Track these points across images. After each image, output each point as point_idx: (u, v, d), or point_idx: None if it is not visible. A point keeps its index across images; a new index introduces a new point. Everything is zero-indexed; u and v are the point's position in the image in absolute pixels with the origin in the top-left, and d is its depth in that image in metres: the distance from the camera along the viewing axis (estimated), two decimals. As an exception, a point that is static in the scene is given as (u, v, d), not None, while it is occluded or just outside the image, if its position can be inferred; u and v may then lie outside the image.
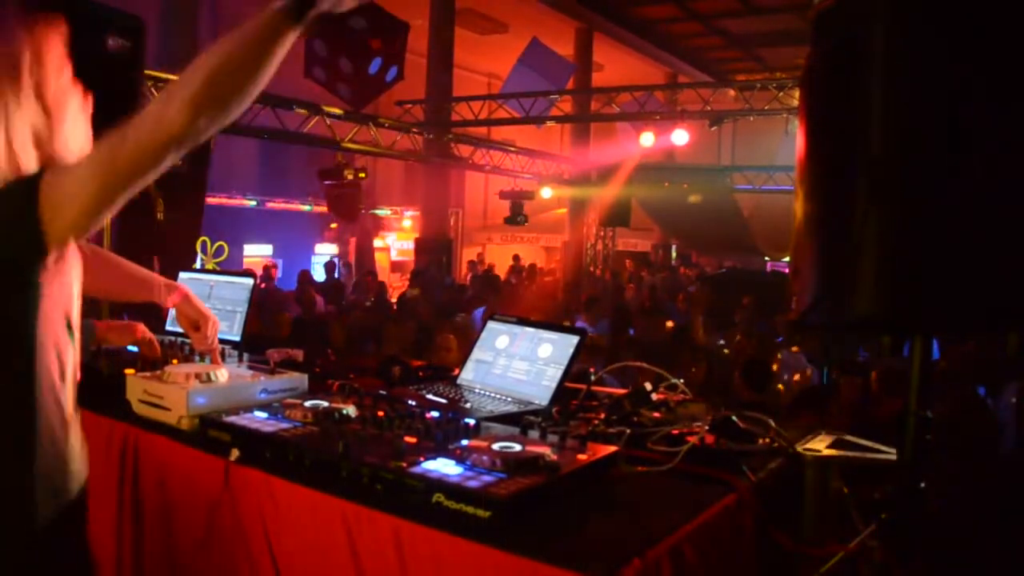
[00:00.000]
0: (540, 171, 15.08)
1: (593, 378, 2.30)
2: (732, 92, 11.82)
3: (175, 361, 2.28)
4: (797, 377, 6.19)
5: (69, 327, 1.41)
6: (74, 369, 1.45)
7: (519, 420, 1.83)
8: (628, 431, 1.84)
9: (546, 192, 15.27)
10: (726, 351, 7.21)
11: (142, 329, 2.34)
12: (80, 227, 1.32)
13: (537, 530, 1.35)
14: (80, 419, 1.48)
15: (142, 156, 1.25)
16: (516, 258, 18.38)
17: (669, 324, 8.27)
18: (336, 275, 13.28)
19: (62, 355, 1.39)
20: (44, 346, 1.34)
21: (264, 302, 8.31)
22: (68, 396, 1.42)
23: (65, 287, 1.39)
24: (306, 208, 16.45)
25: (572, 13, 15.22)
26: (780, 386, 6.06)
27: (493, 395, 2.17)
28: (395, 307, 9.18)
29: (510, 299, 11.35)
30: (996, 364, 4.89)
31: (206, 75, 1.21)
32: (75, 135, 1.43)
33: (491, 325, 2.41)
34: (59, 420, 1.38)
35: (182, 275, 3.03)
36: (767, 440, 1.87)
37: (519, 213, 15.23)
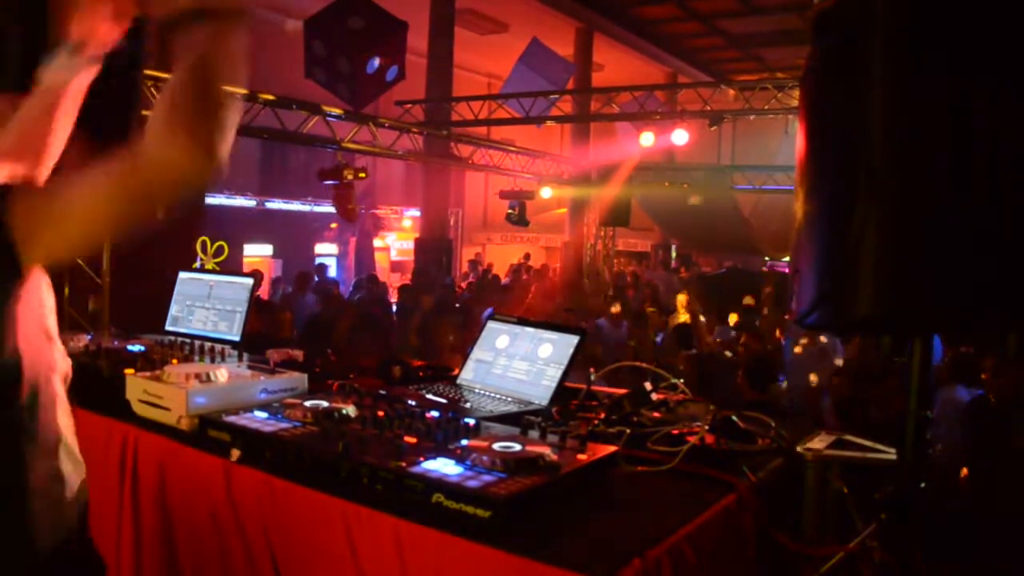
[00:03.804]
0: (540, 171, 15.06)
1: (593, 378, 2.30)
2: (732, 92, 11.80)
3: (175, 361, 2.28)
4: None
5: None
6: (64, 375, 1.39)
7: (519, 420, 1.83)
8: (628, 431, 1.84)
9: (546, 192, 15.25)
10: (728, 354, 7.21)
11: None
12: (61, 256, 1.25)
13: (537, 530, 1.35)
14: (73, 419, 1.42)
15: (145, 196, 1.21)
16: (527, 257, 18.42)
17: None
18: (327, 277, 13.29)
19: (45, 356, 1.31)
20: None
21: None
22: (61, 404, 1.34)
23: (35, 298, 1.30)
24: (306, 208, 16.44)
25: (572, 13, 15.21)
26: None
27: (493, 395, 2.17)
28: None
29: (518, 298, 11.34)
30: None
31: (191, 102, 1.17)
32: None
33: (491, 325, 2.40)
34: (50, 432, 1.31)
35: (182, 275, 3.03)
36: (767, 440, 1.87)
37: (520, 214, 15.24)
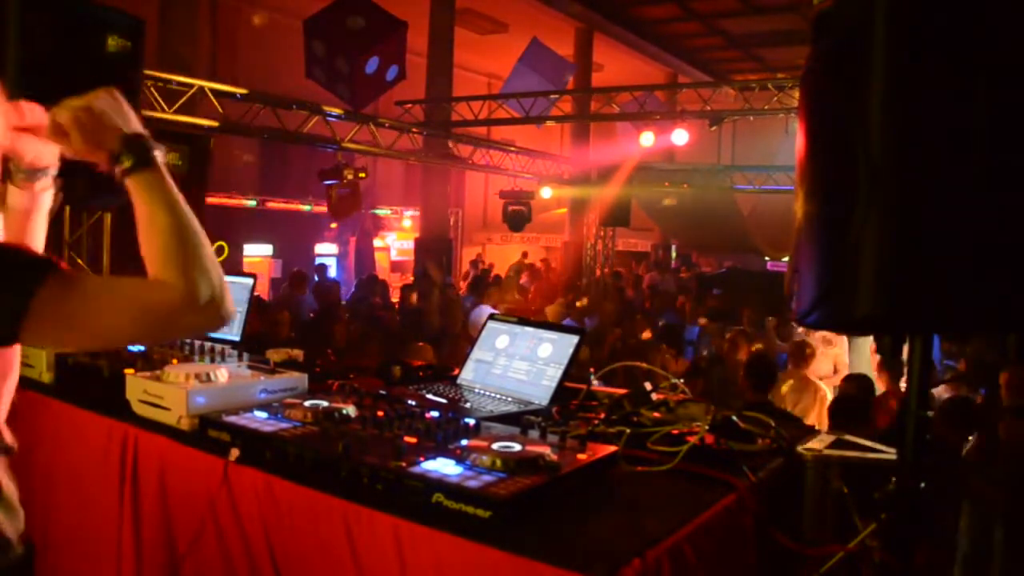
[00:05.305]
0: (540, 171, 15.05)
1: (594, 379, 2.30)
2: (732, 92, 11.79)
3: (175, 361, 2.28)
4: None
5: None
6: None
7: (519, 420, 1.83)
8: (628, 431, 1.84)
9: (546, 192, 15.25)
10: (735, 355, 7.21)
11: None
12: (66, 348, 1.27)
13: (537, 530, 1.35)
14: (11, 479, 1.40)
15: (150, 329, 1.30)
16: (524, 255, 18.39)
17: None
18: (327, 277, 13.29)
19: None
20: None
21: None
22: None
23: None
24: (306, 208, 16.43)
25: (572, 13, 15.20)
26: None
27: (493, 395, 2.17)
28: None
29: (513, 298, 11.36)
30: None
31: (175, 242, 1.30)
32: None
33: (491, 325, 2.40)
34: None
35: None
36: (767, 440, 1.87)
37: (521, 218, 15.26)
